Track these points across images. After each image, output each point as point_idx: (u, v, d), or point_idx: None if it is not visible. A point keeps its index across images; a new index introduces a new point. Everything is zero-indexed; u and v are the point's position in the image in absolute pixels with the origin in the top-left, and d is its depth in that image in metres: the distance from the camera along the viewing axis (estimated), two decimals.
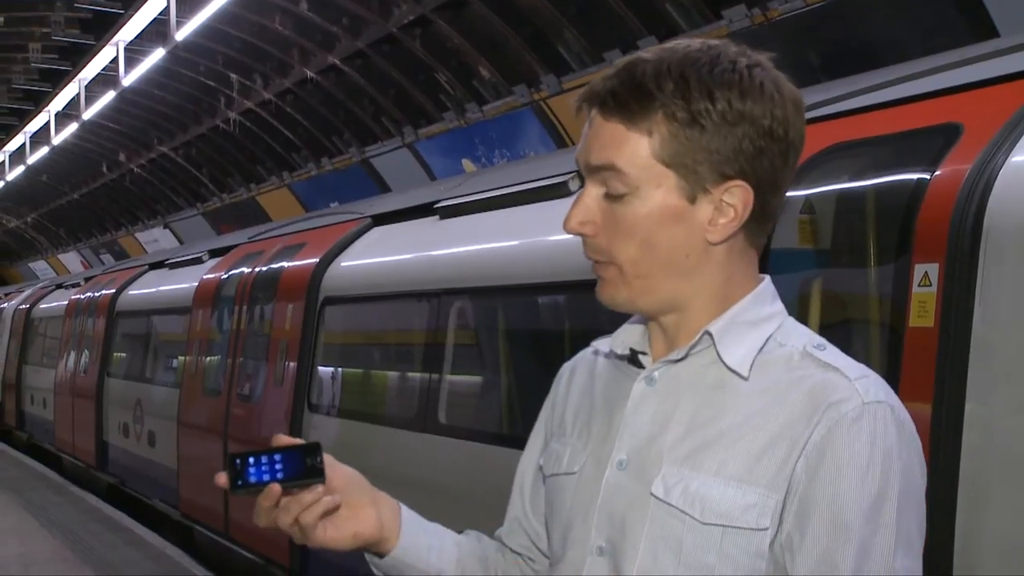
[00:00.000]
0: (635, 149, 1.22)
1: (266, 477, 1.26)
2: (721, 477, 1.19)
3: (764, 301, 1.28)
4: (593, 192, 1.25)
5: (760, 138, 1.21)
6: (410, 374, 5.97)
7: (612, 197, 1.24)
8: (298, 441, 1.28)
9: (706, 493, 1.19)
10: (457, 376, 5.45)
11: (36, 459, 14.65)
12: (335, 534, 1.30)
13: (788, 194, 3.37)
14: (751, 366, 1.23)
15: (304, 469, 1.26)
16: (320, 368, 6.64)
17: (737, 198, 1.22)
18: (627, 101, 1.22)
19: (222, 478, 1.26)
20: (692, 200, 1.22)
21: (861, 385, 1.19)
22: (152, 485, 9.88)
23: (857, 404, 1.17)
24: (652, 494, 1.22)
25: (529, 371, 4.98)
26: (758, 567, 1.18)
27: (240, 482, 1.26)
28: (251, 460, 1.26)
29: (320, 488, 1.27)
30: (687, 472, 1.21)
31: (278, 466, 1.26)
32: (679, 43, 1.26)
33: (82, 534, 9.09)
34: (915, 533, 1.19)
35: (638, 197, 1.22)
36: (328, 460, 1.29)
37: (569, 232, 1.27)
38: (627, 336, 1.32)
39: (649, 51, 1.25)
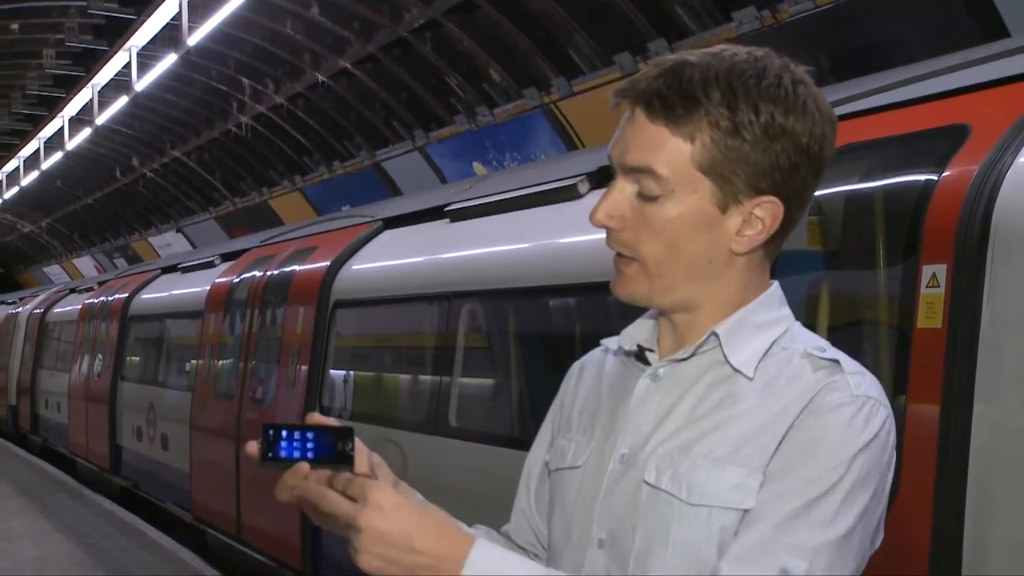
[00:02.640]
0: (675, 153, 1.23)
1: (296, 454, 1.25)
2: (709, 460, 1.22)
3: (771, 305, 1.30)
4: (625, 188, 1.26)
5: (796, 154, 1.22)
6: (421, 377, 5.99)
7: (645, 197, 1.25)
8: (332, 422, 1.28)
9: (692, 475, 1.22)
10: (468, 379, 5.47)
11: (50, 463, 14.72)
12: None
13: None
14: (756, 368, 1.24)
15: (335, 453, 1.25)
16: (331, 371, 6.66)
17: (767, 212, 1.24)
18: (674, 105, 1.22)
19: (252, 447, 1.26)
20: (723, 209, 1.24)
21: (854, 380, 1.21)
22: (165, 488, 9.92)
23: (846, 394, 1.20)
24: (644, 480, 1.25)
25: (540, 374, 4.98)
26: None
27: (270, 454, 1.25)
28: (284, 434, 1.25)
29: (348, 474, 1.27)
30: (677, 457, 1.24)
31: (310, 444, 1.25)
32: (725, 50, 1.26)
33: (96, 537, 9.13)
34: (855, 527, 1.18)
35: (671, 200, 1.24)
36: (357, 445, 1.29)
37: (596, 224, 1.28)
38: (636, 333, 1.34)
39: (694, 55, 1.26)
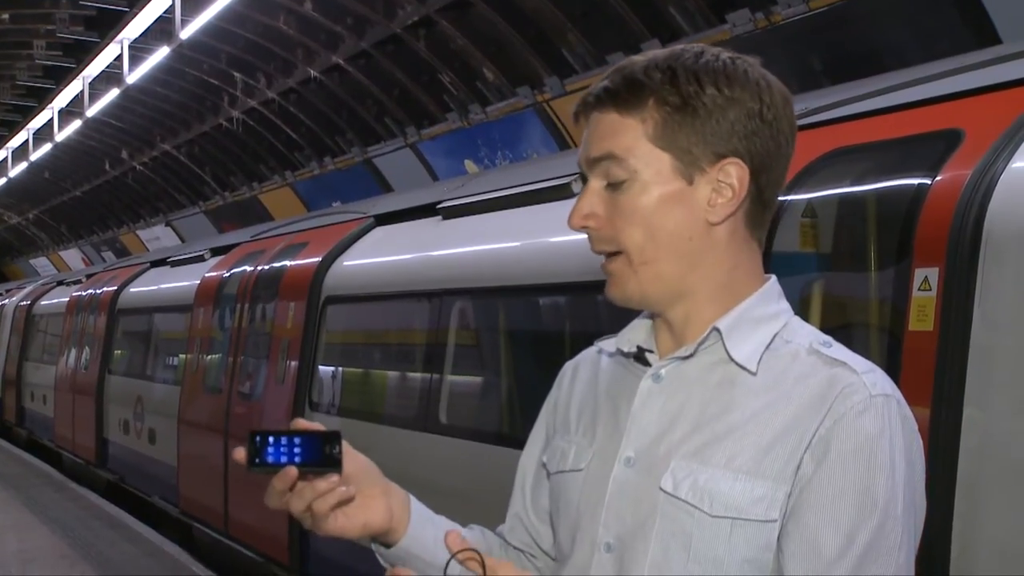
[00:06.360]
0: (630, 135, 1.26)
1: (283, 459, 1.26)
2: (730, 470, 1.21)
3: (771, 299, 1.30)
4: (595, 186, 1.29)
5: (751, 120, 1.25)
6: (411, 374, 5.99)
7: (613, 186, 1.27)
8: (319, 427, 1.28)
9: (715, 486, 1.21)
10: (458, 376, 5.47)
11: (36, 456, 14.66)
12: (345, 523, 1.31)
13: (790, 198, 3.35)
14: (759, 362, 1.24)
15: (322, 456, 1.26)
16: (321, 367, 6.65)
17: (733, 176, 1.25)
18: (619, 92, 1.27)
19: (240, 453, 1.27)
20: (690, 181, 1.26)
21: (868, 379, 1.21)
22: (152, 482, 9.89)
23: (864, 396, 1.19)
24: (661, 488, 1.24)
25: (530, 372, 4.99)
26: (766, 560, 1.20)
27: (257, 460, 1.26)
28: (271, 440, 1.26)
29: (336, 478, 1.28)
30: (696, 466, 1.23)
31: (297, 449, 1.26)
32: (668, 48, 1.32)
33: (81, 531, 9.10)
34: (911, 529, 1.20)
35: (637, 182, 1.26)
36: (344, 448, 1.29)
37: (573, 228, 1.30)
38: (633, 334, 1.34)
39: (639, 55, 1.32)
